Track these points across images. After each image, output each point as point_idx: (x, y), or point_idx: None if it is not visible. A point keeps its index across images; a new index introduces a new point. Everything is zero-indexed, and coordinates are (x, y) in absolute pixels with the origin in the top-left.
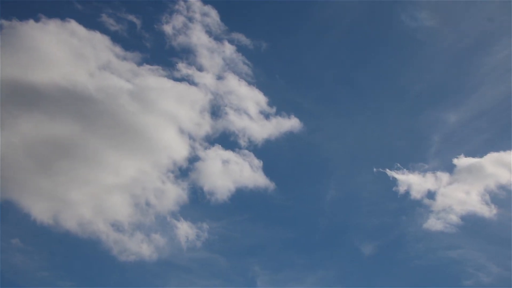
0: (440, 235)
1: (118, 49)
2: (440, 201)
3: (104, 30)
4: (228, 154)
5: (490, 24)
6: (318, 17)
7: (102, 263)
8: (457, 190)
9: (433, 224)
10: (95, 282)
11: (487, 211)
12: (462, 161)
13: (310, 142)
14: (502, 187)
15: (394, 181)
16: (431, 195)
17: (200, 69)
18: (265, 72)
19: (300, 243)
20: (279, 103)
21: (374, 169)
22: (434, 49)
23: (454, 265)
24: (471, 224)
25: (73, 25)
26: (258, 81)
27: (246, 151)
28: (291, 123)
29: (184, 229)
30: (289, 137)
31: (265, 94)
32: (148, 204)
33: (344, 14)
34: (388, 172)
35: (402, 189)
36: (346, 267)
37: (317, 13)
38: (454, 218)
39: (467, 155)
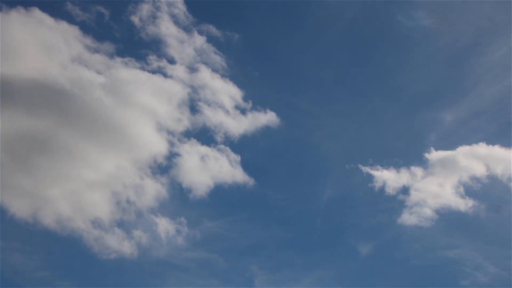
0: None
1: (88, 40)
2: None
3: (71, 20)
4: (206, 150)
5: (486, 24)
6: (313, 17)
7: (83, 260)
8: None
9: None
10: (80, 280)
11: (463, 204)
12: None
13: (289, 137)
14: (476, 179)
15: (377, 179)
16: (406, 190)
17: (172, 61)
18: (239, 65)
19: (297, 243)
20: (255, 97)
21: (362, 167)
22: (430, 48)
23: (452, 265)
24: (445, 217)
25: (38, 13)
26: (231, 74)
27: (223, 146)
28: (267, 118)
29: (164, 225)
30: (266, 132)
31: (240, 87)
32: (127, 200)
33: (340, 13)
34: (372, 170)
35: (387, 187)
36: (344, 266)
37: (312, 12)
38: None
39: (438, 149)
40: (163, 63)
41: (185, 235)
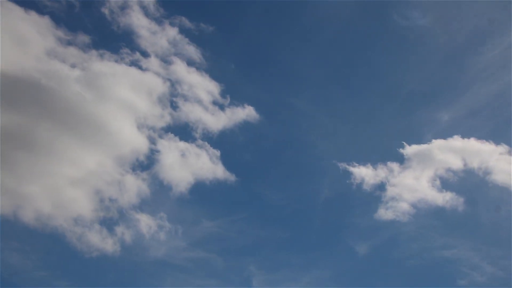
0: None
1: (61, 32)
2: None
3: (40, 10)
4: (186, 146)
5: (482, 23)
6: (309, 17)
7: (68, 259)
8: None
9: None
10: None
11: (440, 197)
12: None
13: (270, 132)
14: (452, 172)
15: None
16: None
17: (145, 54)
18: (214, 58)
19: (295, 243)
20: (233, 91)
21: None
22: (426, 48)
23: (449, 264)
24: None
25: (4, 3)
26: (208, 67)
27: (201, 142)
28: (246, 113)
29: (147, 222)
30: (245, 127)
31: (217, 80)
32: (109, 198)
33: (336, 13)
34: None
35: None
36: (342, 266)
37: (307, 13)
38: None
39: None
40: (137, 56)
41: (167, 232)
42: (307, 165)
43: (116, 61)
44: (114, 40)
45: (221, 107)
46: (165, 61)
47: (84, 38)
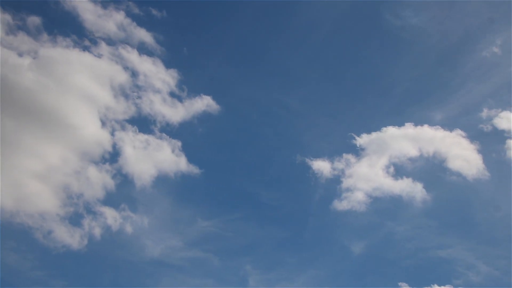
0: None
1: (9, 17)
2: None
3: None
4: (148, 138)
5: (474, 22)
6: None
7: (37, 255)
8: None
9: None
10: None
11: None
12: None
13: (230, 124)
14: (409, 159)
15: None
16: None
17: (94, 40)
18: (167, 44)
19: (292, 242)
20: (188, 79)
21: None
22: (419, 47)
23: (444, 264)
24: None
25: None
26: (161, 53)
27: (160, 134)
28: (204, 102)
29: (113, 216)
30: (204, 118)
31: (172, 67)
32: (74, 192)
33: (329, 13)
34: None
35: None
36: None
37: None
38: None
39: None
40: (87, 42)
41: (133, 223)
42: (272, 157)
43: (67, 47)
44: (62, 25)
45: (179, 98)
46: (116, 47)
47: (32, 22)
